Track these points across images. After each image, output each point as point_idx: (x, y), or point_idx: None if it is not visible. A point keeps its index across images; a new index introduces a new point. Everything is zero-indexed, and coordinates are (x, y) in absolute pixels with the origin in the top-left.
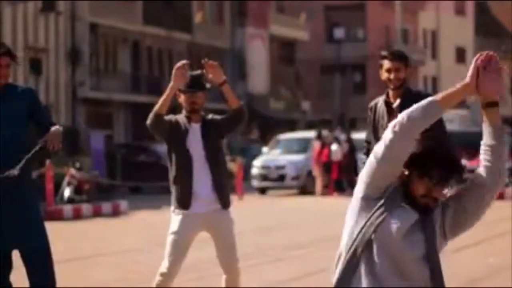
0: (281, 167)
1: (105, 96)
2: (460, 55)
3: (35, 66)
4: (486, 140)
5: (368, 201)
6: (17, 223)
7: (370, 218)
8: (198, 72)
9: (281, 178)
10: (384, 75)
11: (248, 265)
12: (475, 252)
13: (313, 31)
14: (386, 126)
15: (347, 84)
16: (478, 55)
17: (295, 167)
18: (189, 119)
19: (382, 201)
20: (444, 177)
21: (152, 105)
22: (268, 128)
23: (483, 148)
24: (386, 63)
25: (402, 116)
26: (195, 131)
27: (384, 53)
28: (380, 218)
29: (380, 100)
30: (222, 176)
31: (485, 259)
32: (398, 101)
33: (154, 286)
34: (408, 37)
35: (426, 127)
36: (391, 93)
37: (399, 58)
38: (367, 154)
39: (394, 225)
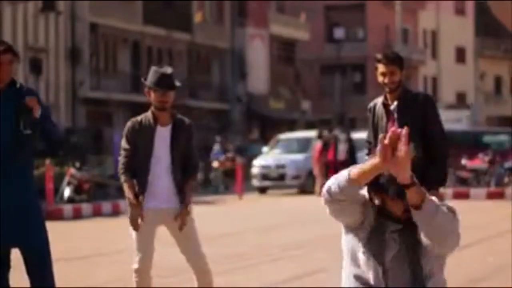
0: (281, 167)
1: (105, 96)
2: (460, 55)
3: (35, 66)
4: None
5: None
6: (19, 221)
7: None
8: (168, 70)
9: (281, 177)
10: (379, 78)
11: (247, 264)
12: (474, 252)
13: (313, 31)
14: (385, 128)
15: (347, 84)
16: (385, 135)
17: (295, 167)
18: (155, 120)
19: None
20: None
21: (151, 105)
22: (268, 127)
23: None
24: (381, 67)
25: (325, 188)
26: (162, 134)
27: (378, 56)
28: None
29: (378, 102)
30: (185, 179)
31: (485, 258)
32: (395, 103)
33: (133, 283)
34: (408, 37)
35: (347, 198)
36: (388, 95)
37: (393, 61)
38: (369, 154)
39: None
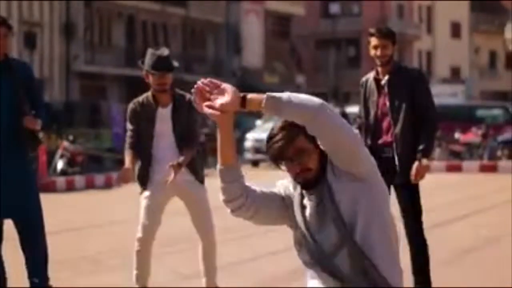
0: None
1: (99, 70)
2: (455, 30)
3: (30, 40)
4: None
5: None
6: (14, 193)
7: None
8: (165, 52)
9: None
10: (371, 52)
11: (239, 236)
12: (467, 224)
13: (309, 5)
14: (376, 102)
15: (341, 59)
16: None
17: None
18: (157, 102)
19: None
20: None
21: (145, 80)
22: None
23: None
24: (373, 40)
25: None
26: (163, 115)
27: (371, 30)
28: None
29: (370, 76)
30: (194, 157)
31: (477, 230)
32: (386, 77)
33: (134, 251)
34: (403, 11)
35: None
36: (380, 69)
37: (386, 35)
38: (359, 129)
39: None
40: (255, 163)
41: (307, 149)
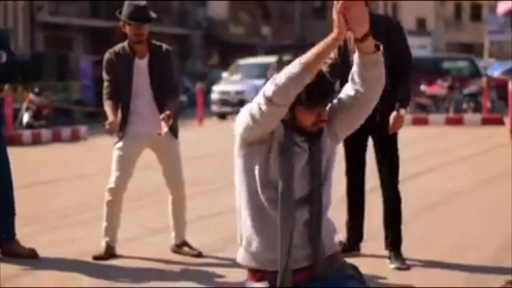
0: (241, 92)
1: (64, 21)
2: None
3: None
4: (361, 72)
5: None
6: None
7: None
8: (142, 3)
9: (241, 103)
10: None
11: (208, 189)
12: (434, 177)
13: None
14: (352, 50)
15: (307, 10)
16: (335, 4)
17: (255, 92)
18: (133, 53)
19: (269, 146)
20: (325, 98)
21: (111, 30)
22: (228, 53)
23: (356, 79)
24: None
25: (270, 86)
26: (140, 67)
27: None
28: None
29: None
30: (168, 100)
31: (444, 184)
32: None
33: (105, 202)
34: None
35: (300, 90)
36: None
37: None
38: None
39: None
40: (221, 116)
41: None
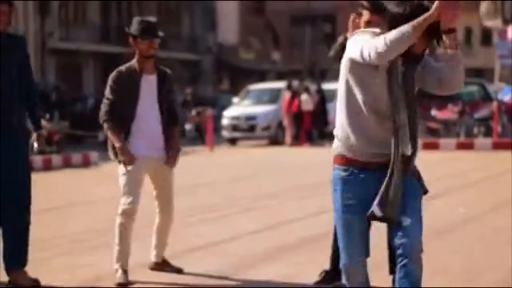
0: (252, 118)
1: (75, 47)
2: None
3: None
4: (444, 59)
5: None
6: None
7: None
8: (153, 18)
9: (252, 128)
10: (362, 26)
11: (218, 215)
12: (445, 202)
13: None
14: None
15: (317, 35)
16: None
17: (266, 118)
18: (141, 69)
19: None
20: (436, 31)
21: (122, 55)
22: (238, 78)
23: (441, 64)
24: (367, 15)
25: (382, 41)
26: (149, 82)
27: (365, 3)
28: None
29: None
30: (171, 127)
31: (455, 209)
32: None
33: (116, 226)
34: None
35: (401, 51)
36: None
37: (382, 11)
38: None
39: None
40: (232, 141)
41: None
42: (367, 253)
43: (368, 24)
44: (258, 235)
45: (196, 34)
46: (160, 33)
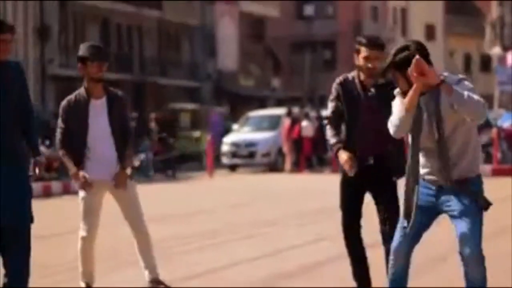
0: (251, 144)
1: (75, 73)
2: (430, 32)
3: None
4: (450, 103)
5: None
6: (8, 199)
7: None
8: (98, 43)
9: (251, 155)
10: (361, 62)
11: (218, 242)
12: (443, 227)
13: (283, 7)
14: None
15: (317, 61)
16: (411, 73)
17: (265, 144)
18: (89, 95)
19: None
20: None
21: (121, 83)
22: (238, 105)
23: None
24: (365, 51)
25: (390, 124)
26: (97, 107)
27: (363, 40)
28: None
29: (350, 78)
30: (124, 146)
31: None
32: (373, 90)
33: (79, 250)
34: (378, 14)
35: (407, 124)
36: (363, 77)
37: (380, 46)
38: (329, 125)
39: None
40: (232, 168)
41: None
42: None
43: (367, 59)
44: (256, 262)
45: (196, 61)
46: (107, 59)
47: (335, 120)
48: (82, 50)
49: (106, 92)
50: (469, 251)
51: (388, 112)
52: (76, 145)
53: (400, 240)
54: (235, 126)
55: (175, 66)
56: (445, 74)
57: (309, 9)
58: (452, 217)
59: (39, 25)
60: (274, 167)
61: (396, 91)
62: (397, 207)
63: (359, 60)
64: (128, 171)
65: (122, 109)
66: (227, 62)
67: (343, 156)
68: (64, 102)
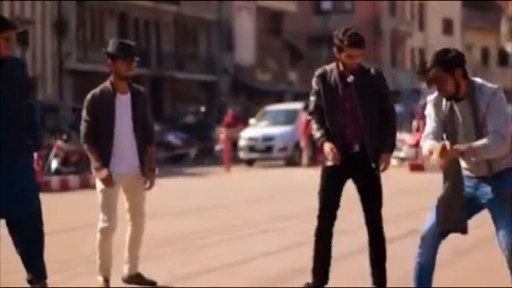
0: (269, 139)
1: (92, 68)
2: (447, 27)
3: (22, 37)
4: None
5: None
6: (9, 191)
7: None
8: (131, 42)
9: (269, 149)
10: (344, 59)
11: (235, 236)
12: None
13: (301, 2)
14: (343, 96)
15: (333, 55)
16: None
17: (282, 139)
18: (115, 89)
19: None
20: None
21: (139, 77)
22: (255, 99)
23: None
24: (348, 50)
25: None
26: (123, 102)
27: (345, 41)
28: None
29: (328, 70)
30: (147, 144)
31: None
32: (351, 77)
33: (97, 243)
34: (396, 8)
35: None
36: (342, 67)
37: (361, 45)
38: (312, 116)
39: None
40: (249, 162)
41: None
42: None
43: (350, 58)
44: (273, 256)
45: (213, 55)
46: (137, 58)
47: (318, 113)
48: (113, 47)
49: (130, 87)
50: (509, 240)
51: (369, 98)
52: (103, 139)
53: (432, 231)
54: (252, 121)
55: (192, 61)
56: (479, 81)
57: (326, 4)
58: (490, 209)
59: (57, 20)
60: (291, 161)
61: (429, 98)
62: (381, 195)
63: (341, 57)
64: (157, 171)
65: (144, 106)
66: (244, 56)
67: (327, 147)
68: (89, 96)
